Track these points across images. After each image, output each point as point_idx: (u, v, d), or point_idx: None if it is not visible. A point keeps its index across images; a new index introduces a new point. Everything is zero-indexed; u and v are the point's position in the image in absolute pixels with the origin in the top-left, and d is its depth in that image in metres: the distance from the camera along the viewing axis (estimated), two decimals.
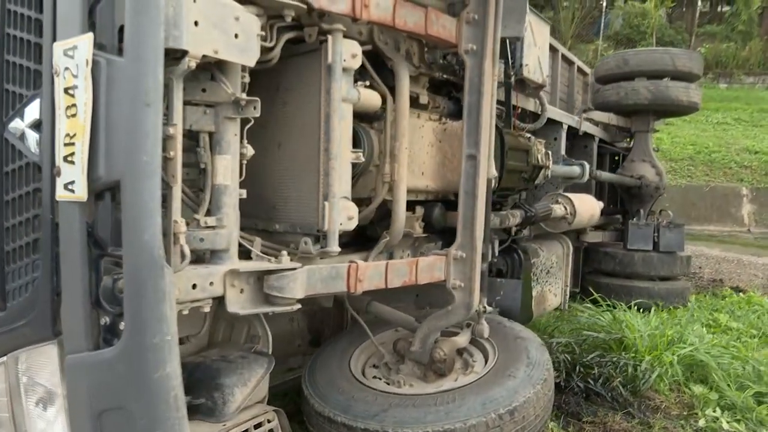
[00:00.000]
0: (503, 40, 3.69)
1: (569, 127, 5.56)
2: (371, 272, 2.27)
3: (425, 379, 2.66)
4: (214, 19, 1.73)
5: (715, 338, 4.70)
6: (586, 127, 5.94)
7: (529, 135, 3.87)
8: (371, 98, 2.32)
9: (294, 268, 2.01)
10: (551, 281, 4.65)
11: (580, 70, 7.33)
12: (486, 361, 2.72)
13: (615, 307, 5.31)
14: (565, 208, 4.30)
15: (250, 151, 2.05)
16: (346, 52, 2.13)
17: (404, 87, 2.54)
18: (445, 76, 3.06)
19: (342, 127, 2.17)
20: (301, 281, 2.01)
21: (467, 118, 2.55)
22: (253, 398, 2.13)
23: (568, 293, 5.01)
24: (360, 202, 2.69)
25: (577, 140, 6.41)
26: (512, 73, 3.84)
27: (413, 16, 2.31)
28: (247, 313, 1.97)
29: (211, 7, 1.72)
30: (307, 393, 2.55)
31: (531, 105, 4.56)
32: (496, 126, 3.33)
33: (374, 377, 2.71)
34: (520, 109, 4.38)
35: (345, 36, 2.19)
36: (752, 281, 9.54)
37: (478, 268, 2.58)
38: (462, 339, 2.76)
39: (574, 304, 5.37)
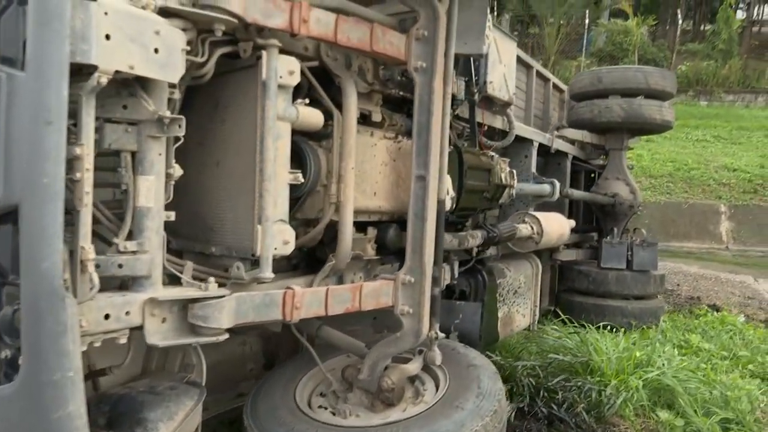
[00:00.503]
0: (463, 57, 3.64)
1: (541, 144, 5.52)
2: (309, 299, 2.16)
3: (372, 408, 2.55)
4: (130, 33, 1.63)
5: (685, 360, 4.63)
6: (558, 144, 5.89)
7: (492, 154, 3.79)
8: (312, 116, 2.22)
9: (221, 296, 1.90)
10: (519, 302, 4.57)
11: (555, 86, 7.30)
12: (437, 390, 2.61)
13: (586, 327, 5.24)
14: (532, 228, 4.23)
15: (178, 171, 1.94)
16: (283, 69, 2.03)
17: (351, 104, 2.45)
18: (402, 93, 2.98)
19: (278, 146, 2.07)
20: (229, 310, 1.90)
21: (417, 137, 2.47)
22: None
23: (537, 313, 4.93)
24: (308, 222, 2.59)
25: (550, 158, 6.37)
26: (476, 91, 3.77)
27: (357, 32, 2.23)
28: (168, 345, 1.85)
29: (126, 20, 1.62)
30: (246, 424, 2.43)
31: (499, 122, 4.49)
32: (455, 145, 3.26)
33: (320, 407, 2.59)
34: (486, 127, 4.31)
35: (285, 51, 2.10)
36: (729, 299, 9.55)
37: (428, 293, 2.48)
38: (413, 367, 2.65)
39: (544, 325, 5.28)
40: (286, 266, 2.66)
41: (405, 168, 2.87)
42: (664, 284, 6.69)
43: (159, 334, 1.82)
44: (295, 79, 2.08)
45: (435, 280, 2.73)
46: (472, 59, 3.82)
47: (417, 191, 2.46)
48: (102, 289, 1.70)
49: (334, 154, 2.47)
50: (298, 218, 2.57)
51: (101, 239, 1.89)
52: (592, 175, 7.43)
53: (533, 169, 5.18)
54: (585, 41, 24.69)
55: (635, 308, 6.24)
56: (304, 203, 2.54)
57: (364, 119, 2.76)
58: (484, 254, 3.98)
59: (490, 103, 4.26)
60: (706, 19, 27.02)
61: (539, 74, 6.90)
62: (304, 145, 2.51)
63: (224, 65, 2.16)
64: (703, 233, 12.18)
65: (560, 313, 6.66)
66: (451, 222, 3.35)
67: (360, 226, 2.81)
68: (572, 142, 6.93)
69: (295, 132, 2.32)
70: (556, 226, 4.69)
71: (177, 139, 1.91)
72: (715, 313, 7.36)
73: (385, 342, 2.55)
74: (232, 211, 2.21)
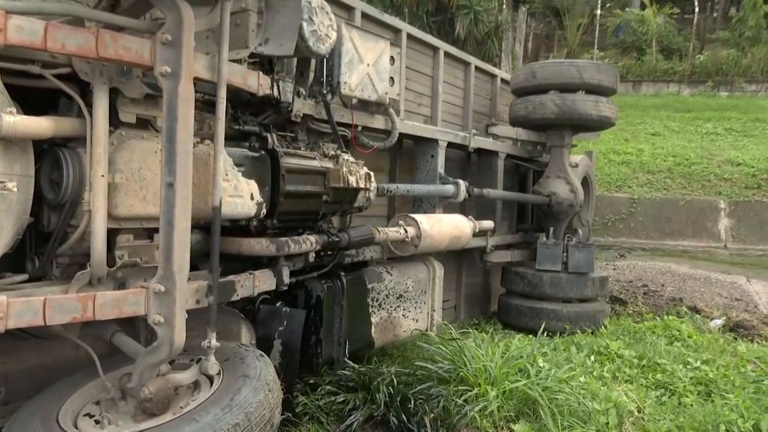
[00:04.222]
0: (305, 59, 3.56)
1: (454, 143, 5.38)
2: (20, 309, 2.13)
3: (134, 418, 2.52)
4: None
5: (578, 368, 4.44)
6: (480, 143, 5.72)
7: (348, 157, 3.70)
8: (31, 125, 2.20)
9: None
10: (407, 306, 4.46)
11: (504, 81, 7.11)
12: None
13: (520, 331, 5.10)
14: (405, 231, 4.11)
15: None
16: None
17: (100, 110, 2.42)
18: (207, 96, 2.94)
19: None
20: None
21: (166, 144, 2.41)
22: None
23: (437, 317, 4.80)
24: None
25: (482, 157, 6.21)
26: (326, 92, 3.69)
27: (76, 39, 2.19)
28: None
29: None
30: None
31: (380, 122, 4.38)
32: (270, 149, 3.19)
33: (89, 415, 2.57)
34: (361, 128, 4.22)
35: (19, 60, 2.11)
36: (713, 300, 9.16)
37: (180, 302, 2.43)
38: (184, 376, 2.60)
39: (479, 328, 5.12)
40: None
41: (196, 174, 2.82)
42: (605, 287, 6.43)
43: None
44: None
45: (210, 289, 2.69)
46: (325, 60, 3.76)
47: (167, 198, 2.41)
48: None
49: (87, 161, 2.44)
50: (72, 225, 2.57)
51: None
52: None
53: (440, 169, 5.05)
54: (618, 31, 23.99)
55: (570, 312, 6.03)
56: (70, 210, 2.53)
57: (145, 124, 2.73)
58: (344, 259, 3.89)
59: (365, 104, 4.17)
60: (734, 6, 25.81)
61: (480, 70, 6.74)
62: (64, 152, 2.50)
63: None
64: (701, 231, 11.66)
65: (499, 316, 6.54)
66: (278, 228, 3.28)
67: (148, 233, 2.79)
68: (516, 140, 6.74)
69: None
70: (449, 228, 4.56)
71: None
72: (697, 315, 7.10)
73: (147, 351, 2.52)
74: None
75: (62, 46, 2.17)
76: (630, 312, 7.99)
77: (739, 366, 4.85)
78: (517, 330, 6.08)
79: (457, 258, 6.34)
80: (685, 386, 4.36)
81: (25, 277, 2.54)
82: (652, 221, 11.78)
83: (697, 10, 20.74)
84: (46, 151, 2.54)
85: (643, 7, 23.90)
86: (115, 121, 2.61)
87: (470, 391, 3.73)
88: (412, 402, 3.60)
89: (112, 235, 2.64)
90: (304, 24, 3.29)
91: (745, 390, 4.35)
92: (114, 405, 2.61)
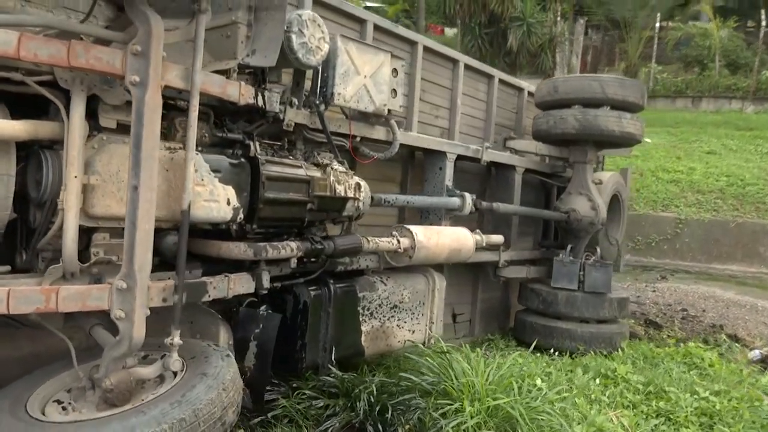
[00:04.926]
0: (300, 70, 3.66)
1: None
2: None
3: (98, 407, 2.65)
4: None
5: (576, 390, 4.32)
6: (494, 156, 5.67)
7: (338, 167, 3.77)
8: (5, 128, 2.38)
9: None
10: (402, 317, 4.47)
11: (531, 95, 7.03)
12: None
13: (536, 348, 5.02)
14: (398, 242, 4.13)
15: None
16: None
17: (75, 115, 2.57)
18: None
19: None
20: None
21: (133, 149, 2.55)
22: None
23: (435, 329, 4.78)
24: None
25: (500, 170, 6.16)
26: (318, 102, 3.77)
27: (48, 49, 2.35)
28: None
29: None
30: None
31: (381, 134, 4.43)
32: (251, 157, 3.30)
33: (57, 402, 2.72)
34: (359, 138, 4.28)
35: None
36: (757, 329, 8.73)
37: (140, 299, 2.55)
38: (147, 371, 2.73)
39: (494, 345, 5.09)
40: None
41: (175, 178, 2.96)
42: (625, 309, 6.22)
43: None
44: None
45: (176, 288, 2.80)
46: (320, 71, 3.85)
47: (132, 200, 2.54)
48: None
49: (64, 163, 2.60)
50: (53, 221, 2.74)
51: None
52: None
53: (447, 182, 5.05)
54: (681, 45, 23.19)
55: (585, 332, 5.88)
56: (52, 208, 2.70)
57: (128, 130, 2.88)
58: (334, 266, 3.95)
59: (365, 115, 4.24)
60: None
61: (505, 83, 6.70)
62: (45, 154, 2.68)
63: None
64: (752, 256, 11.08)
65: (514, 333, 6.45)
66: (260, 233, 3.38)
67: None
68: (542, 156, 6.64)
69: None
70: (447, 240, 4.55)
71: None
72: (736, 344, 6.79)
73: (110, 345, 2.65)
74: None
75: (35, 55, 2.33)
76: (664, 337, 7.72)
77: (753, 399, 4.60)
78: (530, 347, 5.97)
79: (473, 272, 6.30)
80: (686, 416, 4.18)
81: (6, 268, 2.72)
82: (699, 243, 11.30)
83: (765, 23, 19.74)
84: (33, 153, 2.73)
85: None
86: (96, 126, 2.77)
87: (451, 405, 3.71)
88: (390, 412, 3.62)
89: (89, 233, 2.80)
90: (293, 36, 3.40)
91: (754, 424, 4.14)
92: (83, 394, 2.76)
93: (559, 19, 20.90)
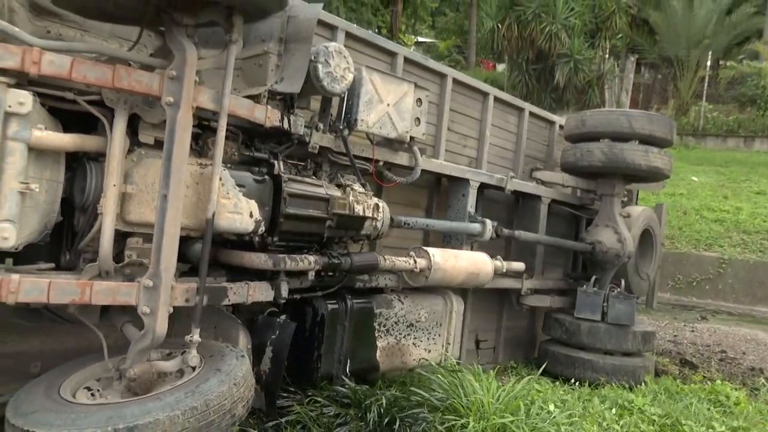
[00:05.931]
0: (325, 98, 3.95)
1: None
2: (29, 287, 2.61)
3: (122, 395, 2.91)
4: None
5: (590, 417, 4.35)
6: (519, 186, 5.81)
7: (358, 188, 4.00)
8: (54, 140, 2.72)
9: None
10: (419, 335, 4.62)
11: (563, 128, 7.16)
12: None
13: (558, 377, 5.07)
14: (414, 262, 4.32)
15: None
16: (12, 101, 2.56)
17: (117, 132, 2.90)
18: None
19: (11, 161, 2.58)
20: None
21: (165, 162, 2.85)
22: None
23: (454, 350, 4.90)
24: None
25: (526, 200, 6.29)
26: (342, 127, 4.04)
27: (95, 72, 2.69)
28: None
29: None
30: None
31: (404, 159, 4.66)
32: (275, 174, 3.57)
33: (87, 388, 3.00)
34: (382, 162, 4.52)
35: (39, 84, 2.65)
36: None
37: (164, 297, 2.82)
38: (168, 364, 2.98)
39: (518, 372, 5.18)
40: None
41: (205, 191, 3.25)
42: (650, 343, 6.17)
43: None
44: (25, 108, 2.59)
45: (197, 290, 3.06)
46: (345, 98, 4.13)
47: (161, 207, 2.84)
48: None
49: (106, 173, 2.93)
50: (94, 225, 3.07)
51: None
52: None
53: (469, 208, 5.22)
54: (736, 84, 22.78)
55: (607, 364, 5.86)
56: (93, 213, 3.03)
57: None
58: (362, 282, 4.16)
59: (388, 141, 4.49)
60: None
61: (536, 116, 6.87)
62: (90, 164, 3.02)
63: None
64: None
65: (537, 361, 6.48)
66: (281, 245, 3.63)
67: None
68: (569, 186, 6.74)
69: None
70: (465, 264, 4.70)
71: None
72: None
73: (136, 339, 2.92)
74: None
75: (84, 77, 2.68)
76: (698, 379, 7.55)
77: None
78: (552, 377, 5.99)
79: (498, 299, 6.39)
80: None
81: (51, 265, 3.05)
82: (742, 284, 10.99)
83: None
84: (80, 163, 3.08)
85: None
86: (136, 141, 3.11)
87: (457, 420, 3.82)
88: (397, 424, 3.76)
89: (124, 237, 3.11)
90: (320, 66, 3.70)
91: None
92: (110, 383, 3.03)
93: (607, 56, 20.85)
